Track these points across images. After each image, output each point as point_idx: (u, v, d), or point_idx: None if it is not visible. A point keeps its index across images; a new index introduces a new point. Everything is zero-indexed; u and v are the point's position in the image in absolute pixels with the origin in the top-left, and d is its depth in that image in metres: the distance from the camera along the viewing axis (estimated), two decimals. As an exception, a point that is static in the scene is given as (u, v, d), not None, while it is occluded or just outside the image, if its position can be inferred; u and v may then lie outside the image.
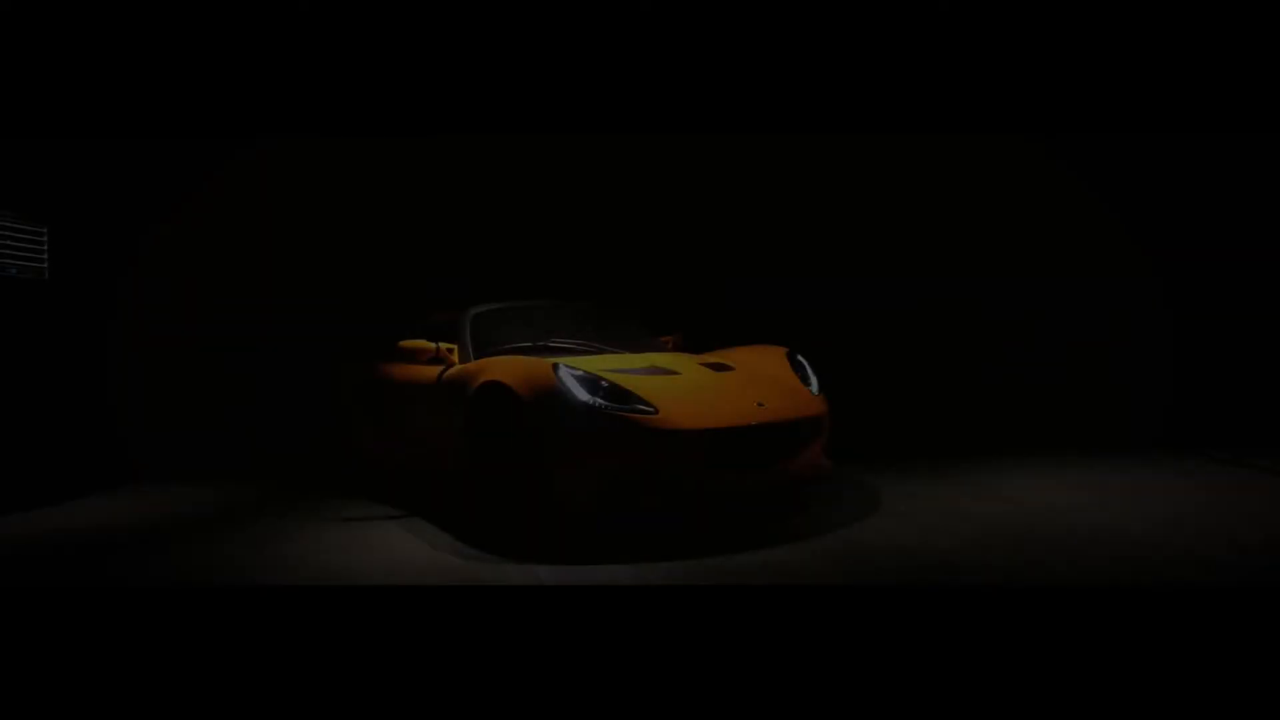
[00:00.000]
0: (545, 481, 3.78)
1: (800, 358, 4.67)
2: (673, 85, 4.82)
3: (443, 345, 4.66)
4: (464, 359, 4.66)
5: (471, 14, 4.49)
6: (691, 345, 5.28)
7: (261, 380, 7.25)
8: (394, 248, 7.60)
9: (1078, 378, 7.37)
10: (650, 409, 3.76)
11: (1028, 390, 7.26)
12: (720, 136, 7.23)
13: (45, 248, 5.82)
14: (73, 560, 3.91)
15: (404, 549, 3.86)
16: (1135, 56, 4.74)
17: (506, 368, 4.09)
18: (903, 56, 4.73)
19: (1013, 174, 7.65)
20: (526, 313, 5.24)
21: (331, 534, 4.17)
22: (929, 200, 7.70)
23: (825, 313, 7.26)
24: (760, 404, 4.03)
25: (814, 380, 4.50)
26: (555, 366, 3.89)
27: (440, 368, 4.67)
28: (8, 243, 5.55)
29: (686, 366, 4.43)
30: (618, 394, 3.81)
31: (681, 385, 4.12)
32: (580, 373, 3.89)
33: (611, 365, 4.27)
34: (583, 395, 3.76)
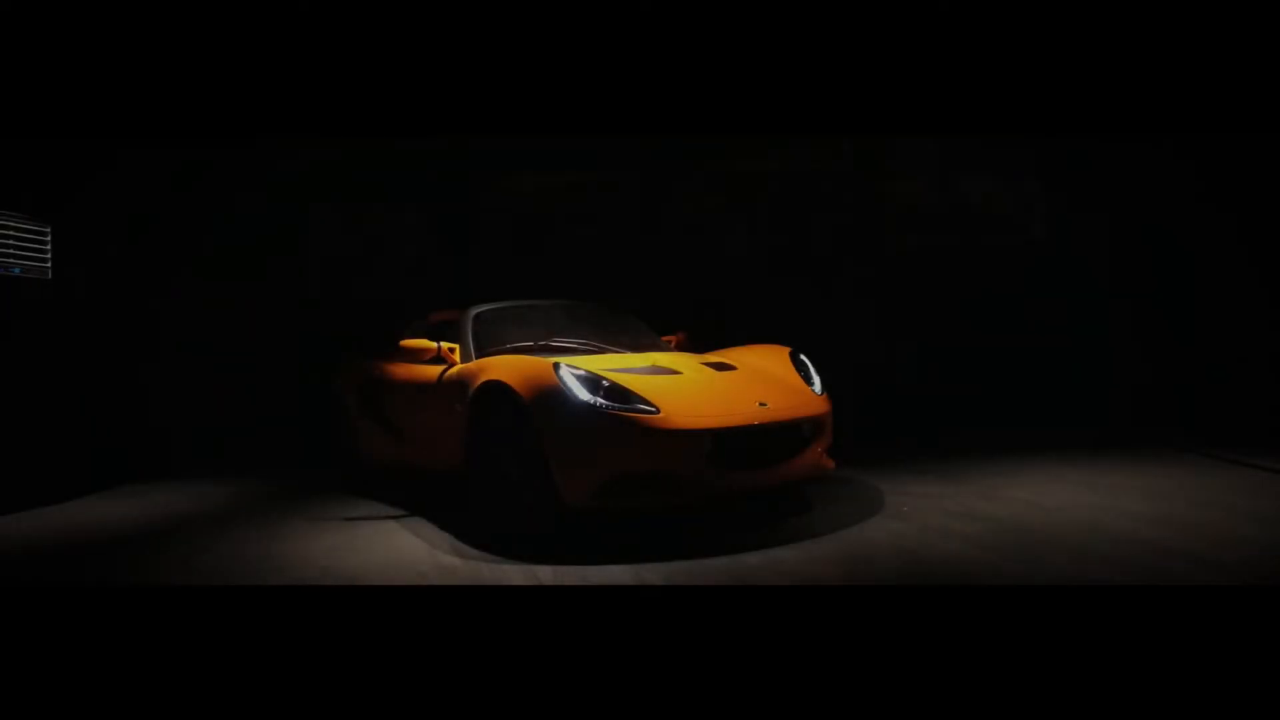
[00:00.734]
0: (546, 481, 3.77)
1: (803, 357, 4.66)
2: (673, 85, 4.81)
3: (444, 345, 4.66)
4: (465, 359, 4.66)
5: (471, 14, 4.48)
6: (695, 345, 5.27)
7: (262, 380, 7.26)
8: (394, 247, 7.61)
9: (1078, 377, 7.36)
10: (651, 409, 3.75)
11: (1029, 390, 7.24)
12: (719, 137, 7.23)
13: (48, 247, 5.83)
14: (73, 560, 3.91)
15: (404, 549, 3.85)
16: (1135, 56, 4.73)
17: (507, 367, 4.09)
18: (903, 56, 4.71)
19: (1013, 174, 7.65)
20: (528, 312, 5.24)
21: (332, 534, 4.16)
22: (928, 201, 7.71)
23: (826, 312, 7.26)
24: (762, 404, 4.02)
25: (817, 380, 4.48)
26: (556, 366, 3.88)
27: (442, 367, 4.67)
28: (11, 242, 5.56)
29: (688, 366, 4.41)
30: (619, 393, 3.80)
31: (683, 385, 4.10)
32: (581, 372, 3.88)
33: (613, 365, 4.26)
34: (583, 395, 3.75)
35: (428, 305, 5.81)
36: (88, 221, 6.20)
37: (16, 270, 5.62)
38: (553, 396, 3.78)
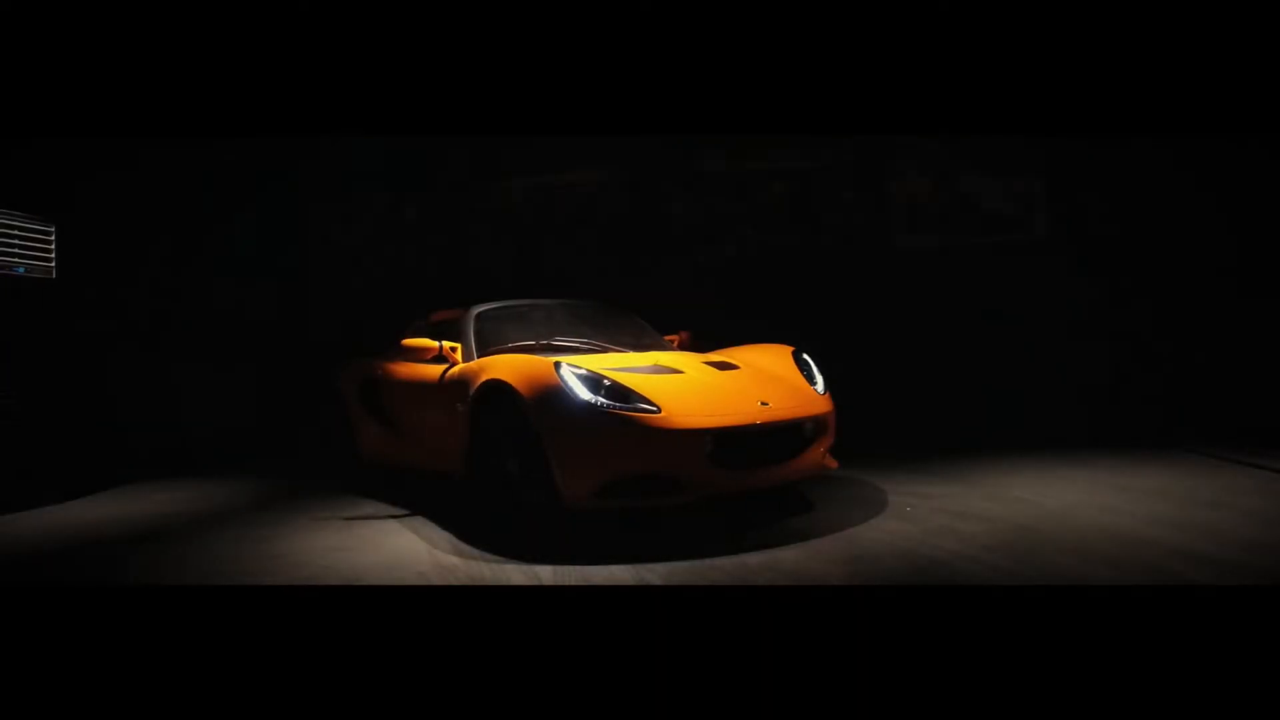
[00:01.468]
0: (547, 480, 3.77)
1: (806, 356, 4.65)
2: (673, 85, 4.80)
3: (446, 344, 4.65)
4: (467, 358, 4.65)
5: (472, 14, 4.48)
6: (698, 344, 5.27)
7: (262, 380, 7.26)
8: (394, 248, 7.61)
9: (1078, 378, 7.34)
10: (653, 408, 3.74)
11: (1029, 390, 7.23)
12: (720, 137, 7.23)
13: (53, 247, 5.84)
14: (72, 560, 3.91)
15: (404, 549, 3.85)
16: (1136, 56, 4.71)
17: (508, 366, 4.08)
18: (903, 56, 4.70)
19: (1013, 174, 7.63)
20: (530, 311, 5.23)
21: (332, 534, 4.16)
22: (929, 199, 7.69)
23: (827, 312, 7.25)
24: (764, 403, 4.01)
25: (819, 379, 4.47)
26: (557, 365, 3.88)
27: (443, 367, 4.66)
28: (16, 242, 5.57)
29: (690, 365, 4.41)
30: (620, 393, 3.79)
31: (685, 384, 4.10)
32: (582, 371, 3.87)
33: (615, 364, 4.26)
34: (584, 394, 3.75)
35: (429, 304, 5.82)
36: (91, 221, 6.20)
37: (21, 270, 5.63)
38: (554, 396, 3.78)
